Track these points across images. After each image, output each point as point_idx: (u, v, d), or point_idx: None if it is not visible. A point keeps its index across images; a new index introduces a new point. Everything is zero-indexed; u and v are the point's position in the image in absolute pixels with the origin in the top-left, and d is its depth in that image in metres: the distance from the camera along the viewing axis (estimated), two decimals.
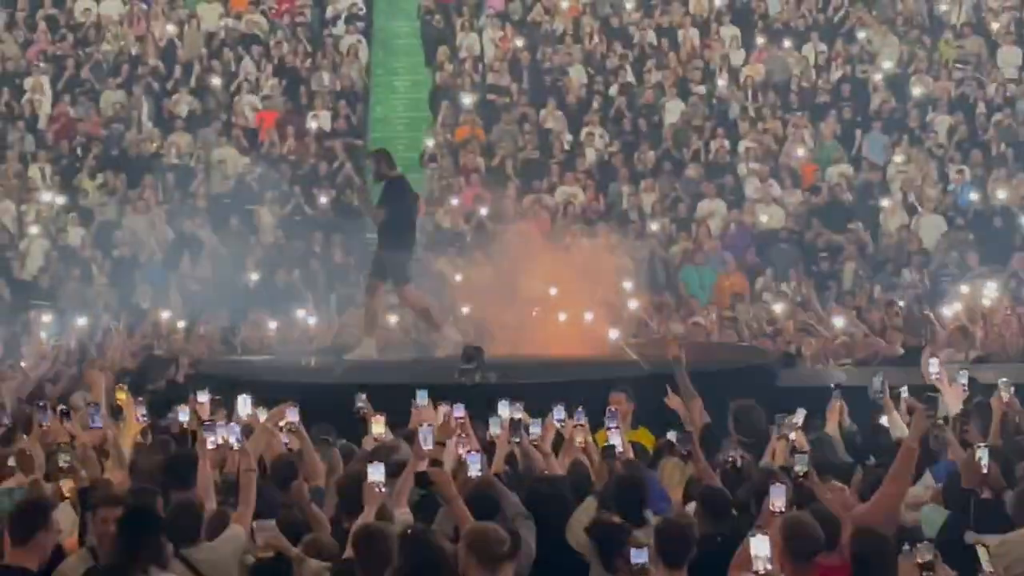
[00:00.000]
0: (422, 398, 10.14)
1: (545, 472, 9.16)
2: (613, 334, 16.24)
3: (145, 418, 10.69)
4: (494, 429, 9.71)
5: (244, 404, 10.30)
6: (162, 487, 8.52)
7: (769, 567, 6.80)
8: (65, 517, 8.46)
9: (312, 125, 25.59)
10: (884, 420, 11.09)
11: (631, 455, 9.55)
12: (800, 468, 8.43)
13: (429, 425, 8.75)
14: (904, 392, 11.15)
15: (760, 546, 6.84)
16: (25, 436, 10.40)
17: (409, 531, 7.28)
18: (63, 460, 9.14)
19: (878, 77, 26.47)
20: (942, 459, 9.67)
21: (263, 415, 10.03)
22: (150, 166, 24.80)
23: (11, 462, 9.42)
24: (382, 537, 7.14)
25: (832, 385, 11.72)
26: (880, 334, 16.65)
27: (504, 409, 9.81)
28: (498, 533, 7.12)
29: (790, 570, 7.01)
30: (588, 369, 14.04)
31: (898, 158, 24.93)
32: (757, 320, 18.85)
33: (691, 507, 8.65)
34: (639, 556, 6.92)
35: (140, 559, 7.19)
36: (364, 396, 10.94)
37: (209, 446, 8.89)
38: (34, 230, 23.52)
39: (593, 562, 7.84)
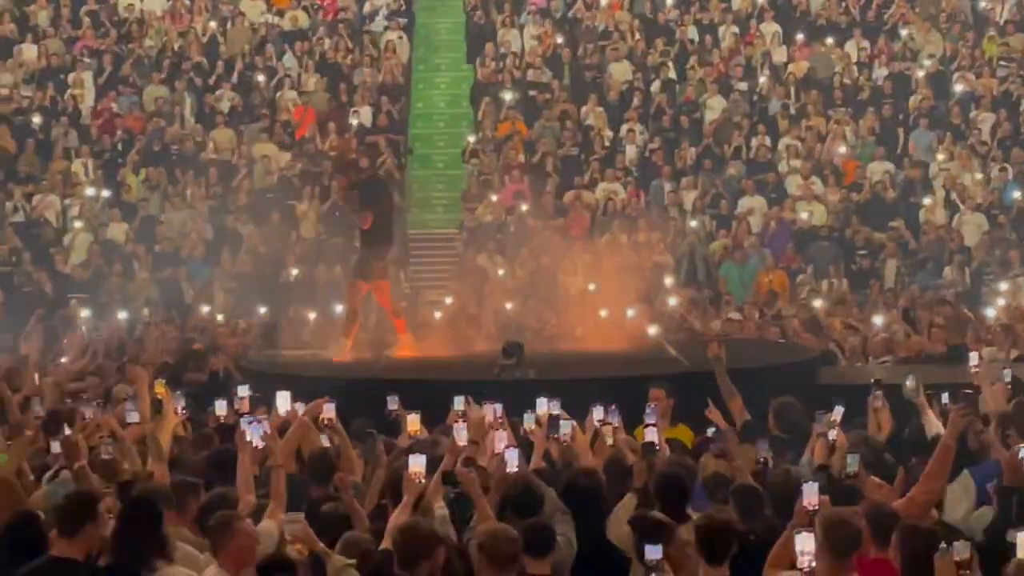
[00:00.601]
0: (458, 404, 10.09)
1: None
2: (653, 330, 16.20)
3: (185, 411, 10.72)
4: (529, 424, 9.69)
5: (284, 400, 10.31)
6: (204, 481, 8.56)
7: (814, 564, 6.78)
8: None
9: (353, 121, 25.65)
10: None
11: (667, 452, 9.50)
12: (851, 467, 8.41)
13: (463, 422, 8.72)
14: (944, 397, 10.98)
15: (805, 543, 6.82)
16: (68, 428, 10.44)
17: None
18: (106, 452, 9.16)
19: (921, 74, 26.34)
20: (982, 459, 9.58)
21: (302, 411, 10.04)
22: (192, 161, 24.93)
23: (55, 448, 9.45)
24: (422, 532, 7.14)
25: (872, 381, 11.62)
26: (924, 333, 16.54)
27: (542, 405, 9.79)
28: (508, 532, 7.12)
29: (829, 566, 6.97)
30: (628, 365, 13.99)
31: (941, 155, 24.81)
32: (799, 317, 18.75)
33: None
34: (653, 552, 6.88)
35: (144, 554, 7.12)
36: (396, 397, 10.93)
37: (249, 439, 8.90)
38: (78, 224, 23.68)
39: (635, 557, 7.79)
